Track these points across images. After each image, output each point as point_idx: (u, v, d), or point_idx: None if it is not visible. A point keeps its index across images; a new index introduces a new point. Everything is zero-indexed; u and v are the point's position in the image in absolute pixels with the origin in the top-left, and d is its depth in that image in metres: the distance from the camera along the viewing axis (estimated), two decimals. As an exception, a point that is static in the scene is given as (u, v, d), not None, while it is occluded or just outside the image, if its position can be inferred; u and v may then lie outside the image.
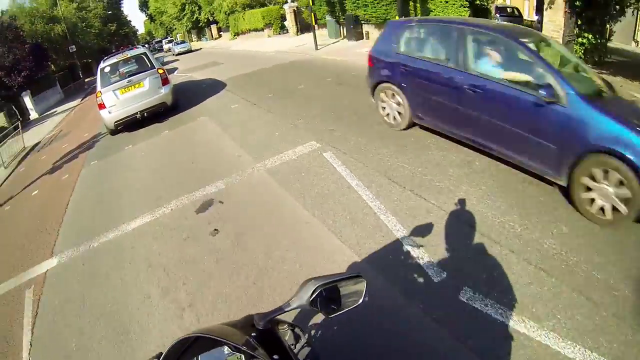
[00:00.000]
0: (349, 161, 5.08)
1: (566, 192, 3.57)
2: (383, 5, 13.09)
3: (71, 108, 21.29)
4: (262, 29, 27.87)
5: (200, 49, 34.33)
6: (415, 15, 11.73)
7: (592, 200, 3.28)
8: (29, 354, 3.47)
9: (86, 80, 34.18)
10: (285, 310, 1.17)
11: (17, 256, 5.37)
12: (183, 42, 36.91)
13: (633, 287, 2.65)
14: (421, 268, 3.09)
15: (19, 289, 4.53)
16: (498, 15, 14.03)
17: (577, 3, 7.49)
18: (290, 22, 23.77)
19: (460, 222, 3.56)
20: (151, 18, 65.26)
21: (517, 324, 2.51)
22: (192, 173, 6.02)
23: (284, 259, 3.56)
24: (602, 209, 3.22)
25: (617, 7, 7.59)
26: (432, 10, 11.00)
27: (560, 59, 4.06)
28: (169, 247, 4.27)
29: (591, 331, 2.39)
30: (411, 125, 5.54)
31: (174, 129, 8.81)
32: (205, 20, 43.33)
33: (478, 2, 10.07)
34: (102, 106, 9.04)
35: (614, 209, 3.13)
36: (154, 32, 75.55)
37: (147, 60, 9.64)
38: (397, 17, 10.30)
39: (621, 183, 3.04)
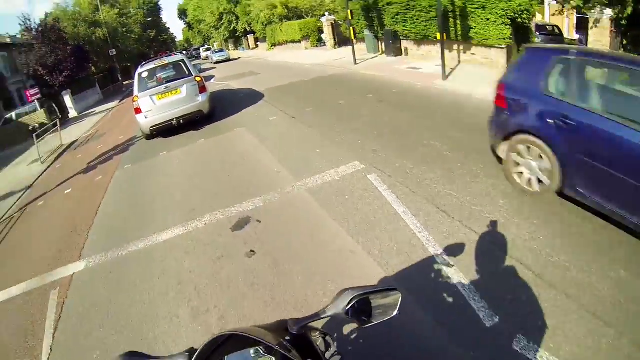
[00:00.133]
0: (395, 185, 4.82)
1: None
2: (422, 21, 12.92)
3: (109, 109, 22.10)
4: (300, 41, 28.24)
5: (239, 58, 34.92)
6: (455, 32, 11.45)
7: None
8: (48, 359, 3.41)
9: (125, 83, 35.68)
10: (321, 317, 1.19)
11: (46, 255, 5.44)
12: (221, 50, 37.47)
13: None
14: (473, 310, 2.83)
15: (44, 289, 4.56)
16: (538, 33, 13.55)
17: (623, 22, 7.15)
18: (327, 35, 23.98)
19: (513, 260, 3.26)
20: (189, 26, 67.79)
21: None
22: (228, 186, 5.90)
23: (324, 290, 3.30)
24: None
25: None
26: (472, 28, 10.76)
27: None
28: (202, 264, 4.10)
29: None
30: (559, 195, 3.98)
31: (210, 137, 8.82)
32: (243, 30, 44.50)
33: (520, 20, 9.72)
34: (138, 111, 9.21)
35: None
36: (191, 40, 78.29)
37: (184, 68, 9.77)
38: (437, 35, 9.94)
39: None
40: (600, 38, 7.73)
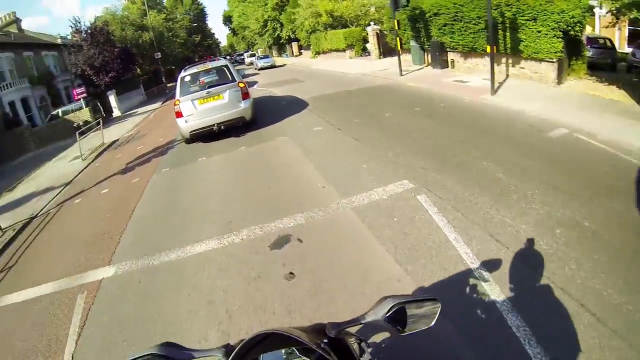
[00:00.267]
0: (446, 209, 4.48)
1: None
2: (470, 32, 12.55)
3: (151, 110, 22.94)
4: (344, 50, 28.25)
5: (284, 65, 35.19)
6: (505, 45, 11.08)
7: None
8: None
9: (168, 85, 37.17)
10: (361, 322, 1.22)
11: (77, 255, 5.50)
12: (266, 56, 37.40)
13: None
14: (528, 355, 2.57)
15: (72, 291, 4.58)
16: (590, 47, 12.79)
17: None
18: (372, 45, 23.82)
19: (572, 299, 2.93)
20: (234, 32, 70.02)
21: None
22: (268, 199, 5.70)
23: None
24: None
25: None
26: (522, 40, 10.36)
27: None
28: (236, 284, 3.88)
29: None
30: None
31: (251, 145, 8.74)
32: (287, 38, 45.29)
33: (572, 32, 9.24)
34: (179, 114, 9.30)
35: None
36: (235, 46, 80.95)
37: (228, 73, 9.81)
38: (487, 47, 9.67)
39: None
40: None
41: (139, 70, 35.07)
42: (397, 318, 1.19)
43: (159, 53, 35.45)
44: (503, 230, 3.91)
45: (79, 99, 20.66)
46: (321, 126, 9.07)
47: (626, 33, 18.82)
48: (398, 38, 14.91)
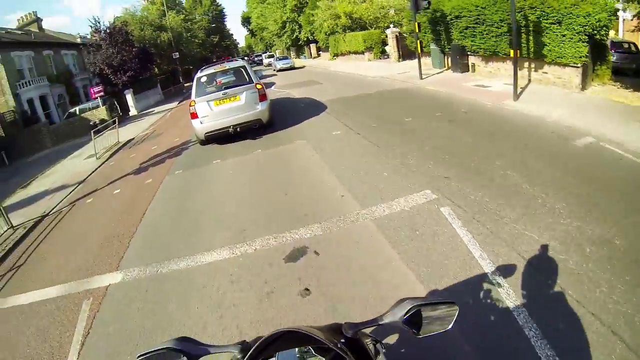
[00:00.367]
0: (471, 223, 4.22)
1: None
2: (493, 36, 12.26)
3: (168, 110, 23.10)
4: (363, 52, 28.01)
5: (304, 67, 34.86)
6: (528, 49, 10.79)
7: None
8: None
9: (186, 85, 37.52)
10: (379, 323, 1.23)
11: (85, 258, 5.43)
12: (285, 57, 37.31)
13: None
14: None
15: (78, 296, 4.51)
16: (614, 51, 12.36)
17: None
18: (392, 48, 23.55)
19: (604, 325, 2.70)
20: (252, 33, 70.51)
21: None
22: (284, 207, 5.48)
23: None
24: None
25: None
26: (546, 44, 10.06)
27: None
28: (247, 298, 3.67)
29: None
30: None
31: (267, 149, 8.55)
32: (305, 39, 45.27)
33: (598, 36, 8.95)
34: (194, 115, 9.19)
35: None
36: (253, 47, 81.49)
37: (245, 74, 9.65)
38: (511, 51, 9.41)
39: None
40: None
41: (156, 69, 35.50)
42: (415, 320, 1.20)
43: (177, 53, 35.83)
44: (530, 247, 3.67)
45: (96, 98, 20.92)
46: (340, 130, 8.84)
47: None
48: (419, 41, 14.65)
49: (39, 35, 27.20)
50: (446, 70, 16.03)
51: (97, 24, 25.88)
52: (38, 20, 29.20)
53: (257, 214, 5.39)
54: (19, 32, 26.46)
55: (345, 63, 29.39)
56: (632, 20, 10.89)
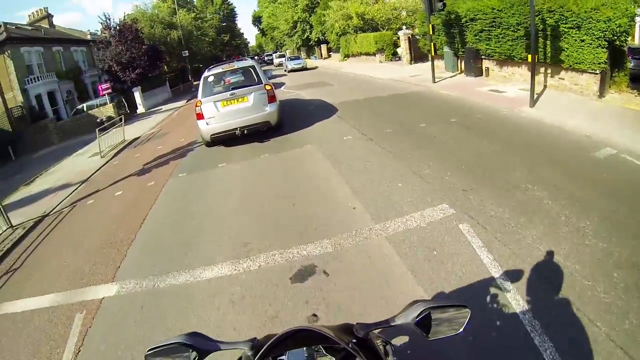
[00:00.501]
0: (492, 242, 3.89)
1: None
2: (508, 40, 11.87)
3: (175, 108, 22.95)
4: (374, 54, 27.63)
5: (316, 67, 33.82)
6: (544, 54, 10.43)
7: None
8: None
9: (194, 83, 37.43)
10: (391, 325, 1.22)
11: (81, 266, 5.25)
12: (297, 57, 36.23)
13: None
14: None
15: (71, 308, 4.32)
16: (631, 57, 11.93)
17: None
18: (404, 50, 23.16)
19: None
20: (262, 32, 70.39)
21: None
22: (291, 218, 5.14)
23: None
24: None
25: None
26: (564, 50, 9.71)
27: None
28: (249, 322, 3.36)
29: None
30: None
31: (275, 153, 8.22)
32: (316, 39, 45.01)
33: (618, 42, 8.59)
34: (200, 116, 8.88)
35: None
36: (264, 46, 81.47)
37: (254, 74, 9.32)
38: (529, 56, 9.06)
39: None
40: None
41: (165, 67, 35.44)
42: (426, 323, 1.19)
43: (187, 51, 35.72)
44: (555, 271, 3.39)
45: (104, 95, 20.81)
46: (351, 135, 8.48)
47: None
48: (432, 43, 14.29)
49: (49, 31, 27.28)
50: (459, 73, 15.72)
51: (107, 20, 25.84)
52: (49, 16, 29.33)
53: (263, 226, 5.07)
54: (30, 27, 26.52)
55: (356, 64, 29.04)
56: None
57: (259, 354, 1.12)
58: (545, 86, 10.81)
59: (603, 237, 3.71)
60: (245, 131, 8.84)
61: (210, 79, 9.39)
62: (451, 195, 5.00)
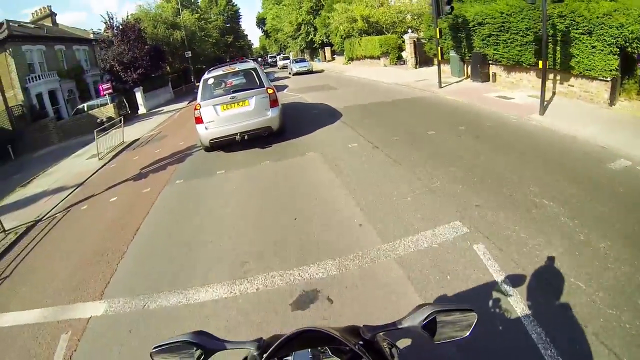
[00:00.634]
0: (510, 266, 3.56)
1: None
2: (517, 45, 11.58)
3: (177, 110, 22.67)
4: (378, 57, 27.31)
5: (323, 70, 32.44)
6: (554, 60, 10.15)
7: None
8: None
9: (197, 84, 37.03)
10: (398, 327, 1.21)
11: (70, 277, 5.03)
12: (302, 60, 34.68)
13: None
14: None
15: (57, 327, 4.06)
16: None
17: None
18: (409, 54, 22.83)
19: None
20: (266, 34, 70.14)
21: None
22: (293, 235, 4.78)
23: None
24: None
25: None
26: (574, 56, 9.44)
27: None
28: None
29: None
30: None
31: (277, 160, 7.88)
32: (320, 42, 44.67)
33: (630, 49, 8.28)
34: (199, 120, 8.52)
35: None
36: (267, 48, 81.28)
37: (256, 77, 8.96)
38: (539, 63, 8.89)
39: None
40: None
41: (168, 68, 35.18)
42: (433, 326, 1.18)
43: (190, 52, 35.44)
44: (579, 300, 3.07)
45: (105, 95, 20.54)
46: (356, 142, 8.13)
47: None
48: (439, 47, 13.98)
49: (51, 29, 27.04)
50: (465, 79, 15.42)
51: (110, 20, 25.59)
52: (52, 14, 29.10)
53: (262, 243, 4.71)
54: (32, 25, 26.30)
55: (361, 68, 28.71)
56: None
57: (266, 355, 1.11)
58: (554, 93, 10.53)
59: (625, 260, 3.44)
60: (246, 137, 8.50)
61: (210, 81, 9.06)
62: (464, 211, 4.67)
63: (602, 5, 8.51)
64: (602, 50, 8.69)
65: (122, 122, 14.80)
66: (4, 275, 5.60)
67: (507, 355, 2.73)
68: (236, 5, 60.65)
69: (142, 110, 24.63)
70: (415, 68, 21.86)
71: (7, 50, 21.38)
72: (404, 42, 23.91)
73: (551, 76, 10.60)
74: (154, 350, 1.20)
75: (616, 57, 8.49)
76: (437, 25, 13.74)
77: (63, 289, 4.72)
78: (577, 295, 3.10)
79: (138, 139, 14.83)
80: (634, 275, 3.21)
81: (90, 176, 10.56)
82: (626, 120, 7.78)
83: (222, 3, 56.89)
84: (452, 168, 6.04)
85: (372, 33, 29.89)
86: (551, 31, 9.81)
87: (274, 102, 8.68)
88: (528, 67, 11.43)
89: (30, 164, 15.05)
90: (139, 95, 24.68)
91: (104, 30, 26.64)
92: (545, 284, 3.30)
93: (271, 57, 60.60)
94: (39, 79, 22.13)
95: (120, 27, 25.31)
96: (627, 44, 8.22)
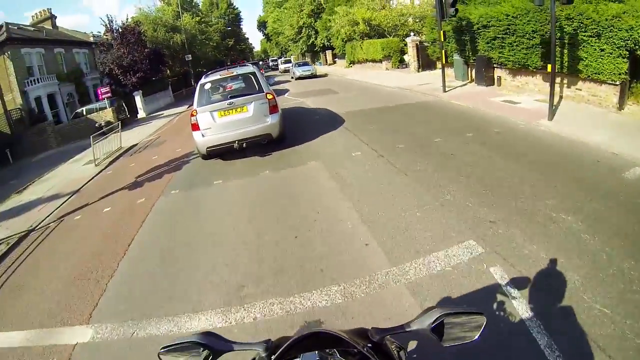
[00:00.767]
0: (532, 294, 3.22)
1: None
2: (523, 48, 11.31)
3: (176, 114, 22.41)
4: (380, 61, 27.01)
5: (326, 74, 30.98)
6: (561, 63, 9.91)
7: None
8: None
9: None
10: (406, 330, 1.21)
11: (59, 296, 4.79)
12: (305, 63, 33.15)
13: None
14: None
15: (42, 352, 3.79)
16: None
17: None
18: (411, 57, 22.55)
19: None
20: (267, 37, 69.92)
21: None
22: (294, 256, 4.42)
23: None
24: None
25: None
26: (582, 59, 9.20)
27: None
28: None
29: None
30: None
31: (277, 170, 7.54)
32: (321, 45, 44.41)
33: (639, 52, 8.07)
34: (195, 127, 8.16)
35: None
36: (269, 51, 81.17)
37: (255, 82, 8.60)
38: (548, 66, 8.64)
39: None
40: None
41: (168, 71, 34.92)
42: (442, 329, 1.18)
43: (190, 55, 35.15)
44: (608, 331, 2.75)
45: (104, 99, 20.25)
46: (360, 151, 7.79)
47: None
48: (443, 51, 13.68)
49: (51, 32, 26.82)
50: (469, 82, 15.17)
51: (110, 23, 25.33)
52: (52, 17, 28.86)
53: (260, 265, 4.35)
54: (32, 28, 26.06)
55: (362, 71, 28.43)
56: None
57: (274, 356, 1.13)
58: (561, 97, 10.25)
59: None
60: (244, 144, 8.16)
61: (207, 86, 8.71)
62: (477, 228, 4.33)
63: (611, 7, 8.28)
64: (611, 53, 8.47)
65: (120, 126, 14.52)
66: (-8, 289, 5.30)
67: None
68: (237, 8, 60.49)
69: (141, 114, 24.34)
70: (418, 72, 21.60)
71: (6, 53, 21.14)
72: (406, 45, 23.66)
73: (558, 80, 10.31)
74: (162, 350, 1.18)
75: (625, 60, 8.26)
76: (441, 28, 13.45)
77: (50, 309, 4.44)
78: (604, 324, 2.80)
79: (136, 144, 14.54)
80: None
81: (86, 183, 10.27)
82: (636, 125, 7.54)
83: (223, 6, 56.70)
84: (462, 178, 5.73)
85: (373, 36, 29.61)
86: (559, 34, 9.55)
87: (273, 108, 8.33)
88: (534, 70, 11.20)
89: (28, 169, 14.81)
90: (138, 99, 24.40)
91: (104, 33, 26.40)
92: (568, 308, 3.01)
93: (272, 61, 60.37)
94: (38, 82, 21.87)
95: (120, 30, 25.06)
96: (637, 47, 8.01)
